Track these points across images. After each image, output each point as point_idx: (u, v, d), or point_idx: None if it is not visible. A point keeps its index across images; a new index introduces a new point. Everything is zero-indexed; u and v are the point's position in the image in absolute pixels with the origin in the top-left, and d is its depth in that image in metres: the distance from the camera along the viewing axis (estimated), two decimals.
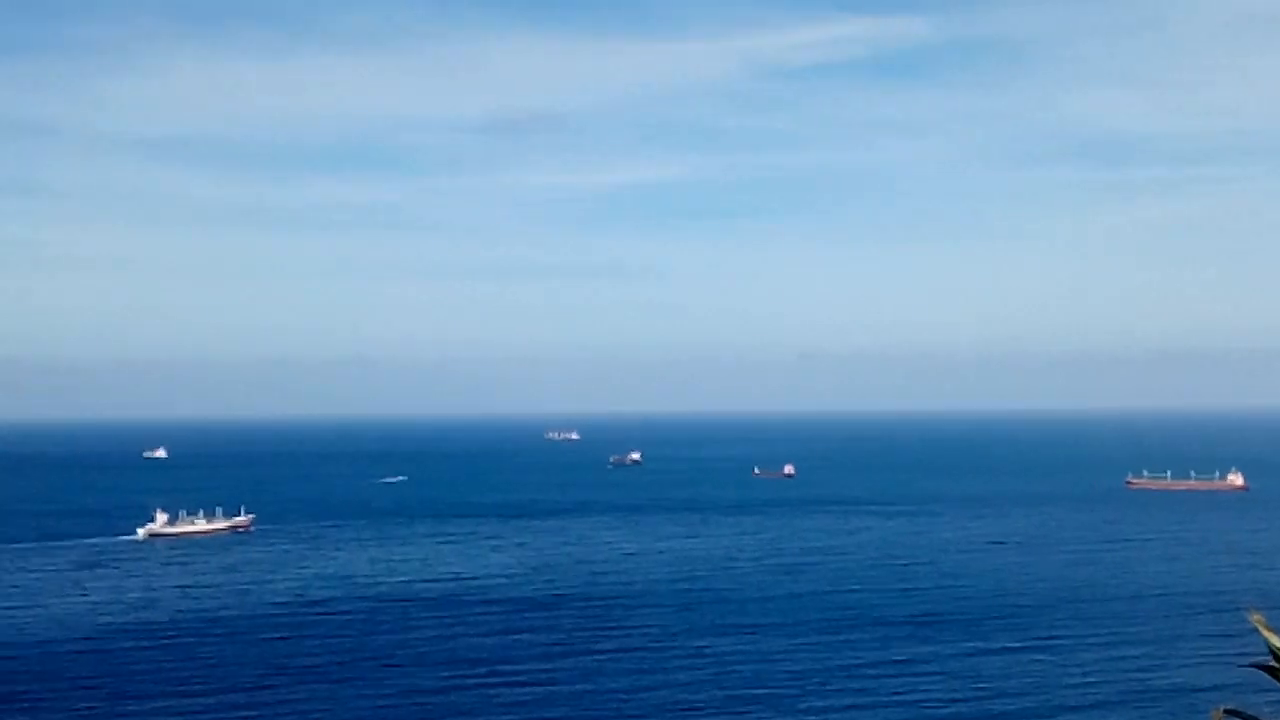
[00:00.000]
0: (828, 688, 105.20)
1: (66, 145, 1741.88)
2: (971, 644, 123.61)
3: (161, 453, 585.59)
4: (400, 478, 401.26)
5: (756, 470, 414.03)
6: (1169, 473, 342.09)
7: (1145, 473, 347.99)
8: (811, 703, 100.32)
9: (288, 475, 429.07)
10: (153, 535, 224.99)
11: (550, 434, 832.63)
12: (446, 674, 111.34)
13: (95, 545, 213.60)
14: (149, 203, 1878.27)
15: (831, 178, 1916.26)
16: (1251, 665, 11.36)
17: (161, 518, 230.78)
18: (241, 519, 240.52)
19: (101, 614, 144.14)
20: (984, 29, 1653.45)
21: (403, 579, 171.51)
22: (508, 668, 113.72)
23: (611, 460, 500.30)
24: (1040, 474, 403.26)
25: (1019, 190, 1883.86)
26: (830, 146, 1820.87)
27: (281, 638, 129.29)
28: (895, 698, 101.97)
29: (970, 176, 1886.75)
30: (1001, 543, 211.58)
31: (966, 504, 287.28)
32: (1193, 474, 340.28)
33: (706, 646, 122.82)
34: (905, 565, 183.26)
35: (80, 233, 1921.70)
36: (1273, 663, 10.80)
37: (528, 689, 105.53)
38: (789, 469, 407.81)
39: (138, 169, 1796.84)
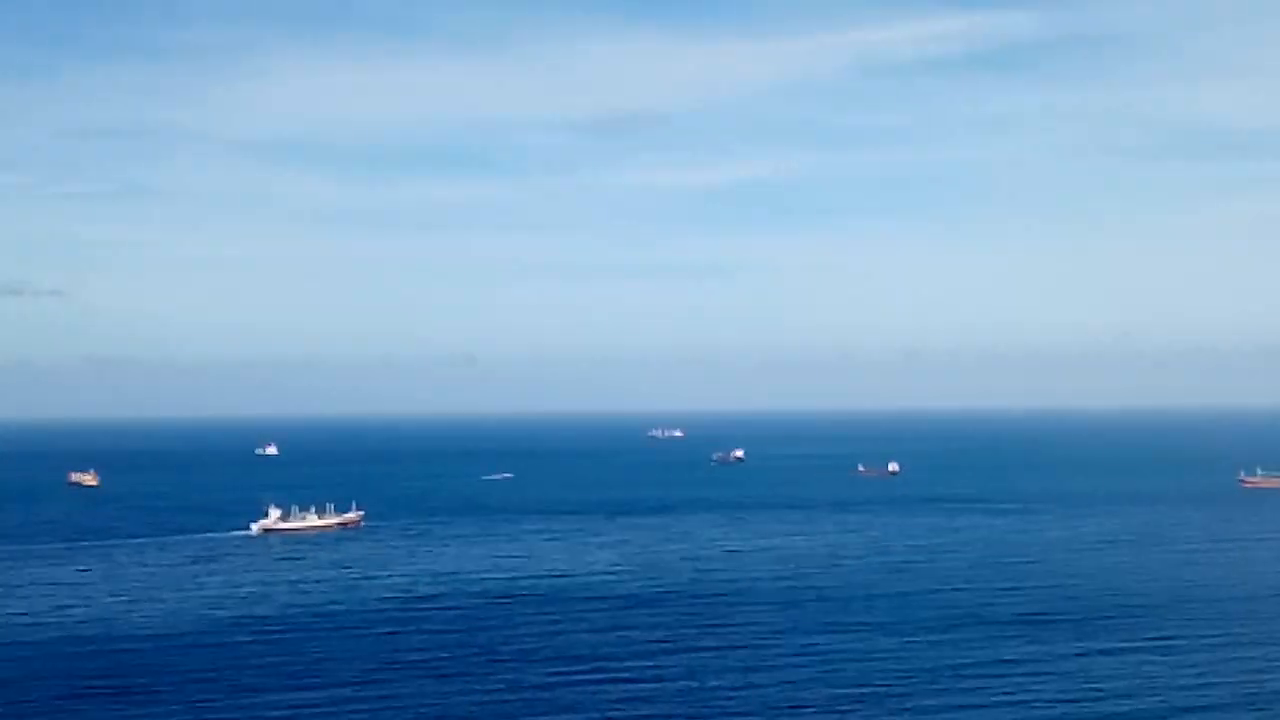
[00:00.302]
0: (935, 687, 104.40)
1: (179, 149, 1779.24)
2: (1081, 644, 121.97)
3: (273, 449, 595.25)
4: (506, 475, 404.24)
5: (860, 468, 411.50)
6: None
7: (1260, 470, 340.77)
8: (919, 702, 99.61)
9: (396, 472, 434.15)
10: (266, 530, 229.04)
11: (654, 432, 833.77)
12: (552, 670, 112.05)
13: (210, 540, 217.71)
14: (260, 205, 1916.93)
15: (937, 174, 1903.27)
16: None
17: (274, 513, 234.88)
18: (352, 515, 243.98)
19: (216, 608, 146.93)
20: (1089, 23, 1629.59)
21: (508, 575, 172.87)
22: (613, 664, 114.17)
23: (714, 458, 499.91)
24: (1150, 471, 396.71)
25: (1125, 185, 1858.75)
26: (935, 143, 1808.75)
27: (390, 633, 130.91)
28: (1004, 698, 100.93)
29: (1076, 171, 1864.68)
30: (1111, 541, 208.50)
31: (1075, 502, 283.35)
32: None
33: (812, 644, 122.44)
34: (1012, 564, 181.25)
35: (193, 235, 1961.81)
36: None
37: (633, 685, 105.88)
38: (893, 467, 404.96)
39: (248, 172, 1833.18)
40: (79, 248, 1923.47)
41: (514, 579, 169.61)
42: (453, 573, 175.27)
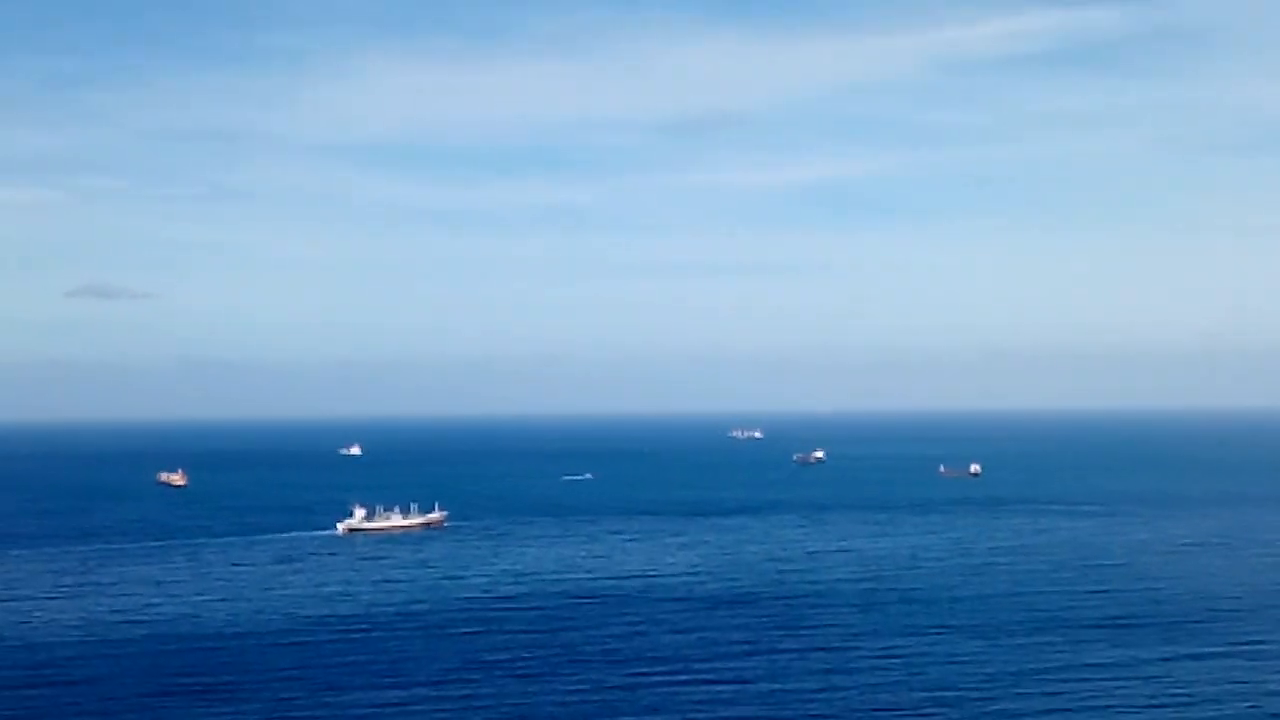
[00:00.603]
0: (1018, 691, 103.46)
1: (266, 152, 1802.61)
2: (1168, 648, 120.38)
3: (356, 450, 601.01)
4: (587, 475, 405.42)
5: (942, 469, 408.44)
6: None
7: None
8: (1002, 706, 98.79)
9: (477, 473, 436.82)
10: (351, 530, 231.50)
11: (734, 432, 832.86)
12: (633, 671, 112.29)
13: (295, 539, 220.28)
14: (345, 207, 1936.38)
15: (1020, 172, 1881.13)
16: None
17: (359, 513, 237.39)
18: (435, 515, 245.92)
19: (300, 607, 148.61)
20: (1174, 17, 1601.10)
21: (589, 575, 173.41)
22: (695, 665, 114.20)
23: (795, 458, 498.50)
24: (1241, 473, 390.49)
25: (1212, 181, 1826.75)
26: (1019, 140, 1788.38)
27: (472, 632, 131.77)
28: (1089, 703, 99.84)
29: (1163, 167, 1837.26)
30: (1199, 544, 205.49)
31: (1162, 503, 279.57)
32: None
33: (894, 647, 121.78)
34: (1097, 566, 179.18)
35: (280, 237, 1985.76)
36: None
37: (715, 687, 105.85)
38: (975, 468, 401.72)
39: (334, 174, 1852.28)
40: (171, 250, 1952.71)
41: (595, 579, 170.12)
42: (534, 573, 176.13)
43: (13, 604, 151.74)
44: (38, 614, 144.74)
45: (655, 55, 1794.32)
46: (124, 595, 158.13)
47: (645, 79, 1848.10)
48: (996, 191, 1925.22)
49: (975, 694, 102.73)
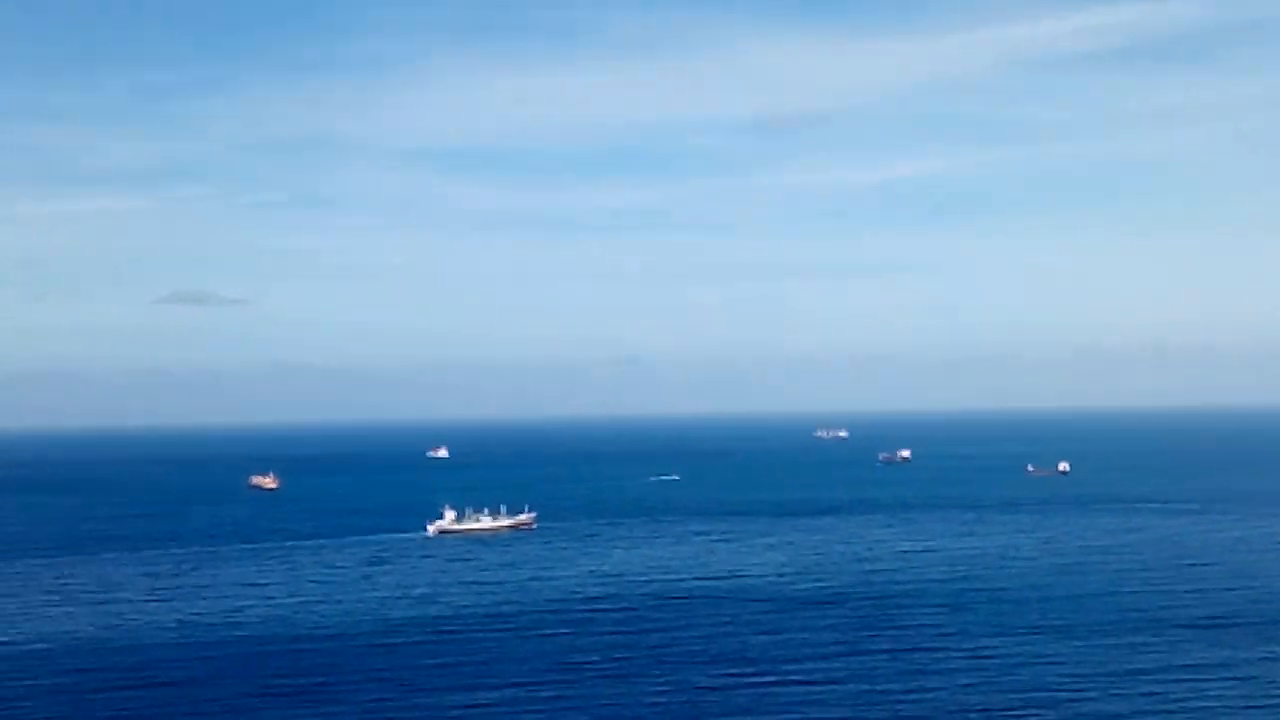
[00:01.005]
0: (1112, 692, 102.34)
1: (349, 158, 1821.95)
2: (1266, 648, 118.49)
3: (444, 452, 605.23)
4: (673, 476, 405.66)
5: (1030, 468, 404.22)
6: None
7: None
8: (1096, 707, 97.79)
9: (564, 474, 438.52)
10: (441, 532, 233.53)
11: (819, 432, 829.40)
12: (722, 671, 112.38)
13: (385, 541, 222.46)
14: (428, 212, 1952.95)
15: (1101, 168, 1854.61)
16: None
17: (449, 515, 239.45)
18: (524, 516, 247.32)
19: (391, 608, 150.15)
20: (1256, 10, 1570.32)
21: (677, 576, 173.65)
22: (783, 666, 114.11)
23: (881, 458, 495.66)
24: None
25: None
26: (1100, 137, 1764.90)
27: (561, 633, 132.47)
28: (1185, 704, 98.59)
29: (1247, 163, 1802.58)
30: None
31: (1256, 501, 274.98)
32: None
33: (984, 647, 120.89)
34: (1192, 565, 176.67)
35: (364, 242, 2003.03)
36: None
37: (804, 688, 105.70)
38: (1063, 466, 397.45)
39: (417, 180, 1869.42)
40: (260, 257, 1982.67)
41: (682, 580, 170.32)
42: (621, 574, 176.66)
43: (112, 606, 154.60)
44: (135, 616, 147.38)
45: (736, 56, 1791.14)
46: (219, 597, 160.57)
47: (726, 80, 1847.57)
48: (1077, 188, 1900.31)
49: (1068, 695, 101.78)
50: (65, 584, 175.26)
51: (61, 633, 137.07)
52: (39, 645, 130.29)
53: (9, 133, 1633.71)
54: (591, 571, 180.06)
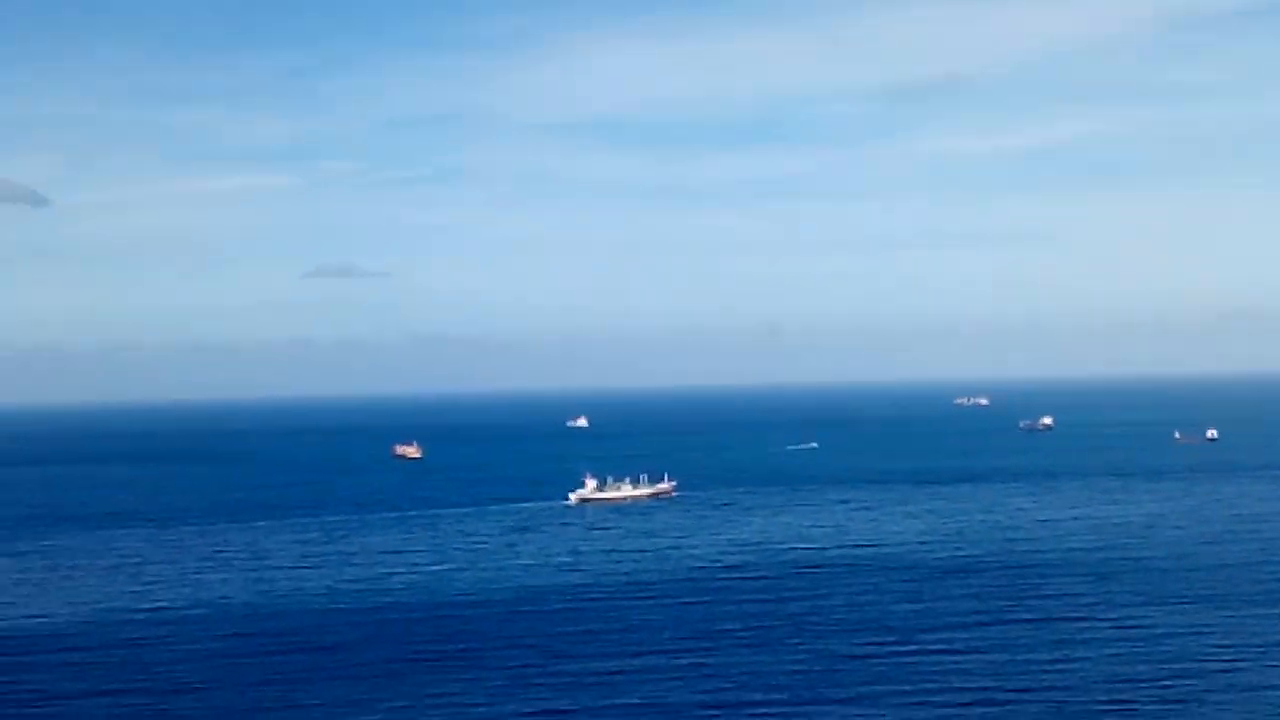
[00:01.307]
0: (1265, 664, 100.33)
1: (489, 133, 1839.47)
2: None
3: (583, 422, 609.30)
4: (812, 445, 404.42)
5: (1177, 435, 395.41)
6: None
7: None
8: (1248, 678, 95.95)
9: (703, 443, 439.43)
10: (583, 500, 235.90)
11: (959, 400, 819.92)
12: (862, 640, 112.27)
13: (527, 510, 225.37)
14: (565, 184, 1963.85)
15: (1261, 129, 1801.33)
16: None
17: (591, 483, 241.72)
18: (664, 485, 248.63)
19: (534, 576, 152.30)
20: None
21: (816, 545, 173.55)
22: (924, 635, 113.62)
23: (1022, 425, 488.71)
24: None
25: None
26: (1256, 97, 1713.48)
27: (701, 601, 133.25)
28: None
29: None
30: None
31: None
32: None
33: (1130, 617, 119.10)
34: None
35: (504, 215, 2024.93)
36: None
37: (945, 657, 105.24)
38: (1211, 433, 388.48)
39: (554, 152, 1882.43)
40: (402, 230, 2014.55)
41: (821, 548, 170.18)
42: (761, 542, 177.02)
43: (264, 572, 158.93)
44: (286, 582, 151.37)
45: (873, 21, 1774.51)
46: (366, 564, 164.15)
47: (863, 46, 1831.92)
48: (1223, 151, 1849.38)
49: (1218, 665, 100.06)
50: (220, 551, 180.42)
51: (217, 598, 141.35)
52: (197, 610, 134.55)
53: (159, 115, 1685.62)
54: (730, 540, 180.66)
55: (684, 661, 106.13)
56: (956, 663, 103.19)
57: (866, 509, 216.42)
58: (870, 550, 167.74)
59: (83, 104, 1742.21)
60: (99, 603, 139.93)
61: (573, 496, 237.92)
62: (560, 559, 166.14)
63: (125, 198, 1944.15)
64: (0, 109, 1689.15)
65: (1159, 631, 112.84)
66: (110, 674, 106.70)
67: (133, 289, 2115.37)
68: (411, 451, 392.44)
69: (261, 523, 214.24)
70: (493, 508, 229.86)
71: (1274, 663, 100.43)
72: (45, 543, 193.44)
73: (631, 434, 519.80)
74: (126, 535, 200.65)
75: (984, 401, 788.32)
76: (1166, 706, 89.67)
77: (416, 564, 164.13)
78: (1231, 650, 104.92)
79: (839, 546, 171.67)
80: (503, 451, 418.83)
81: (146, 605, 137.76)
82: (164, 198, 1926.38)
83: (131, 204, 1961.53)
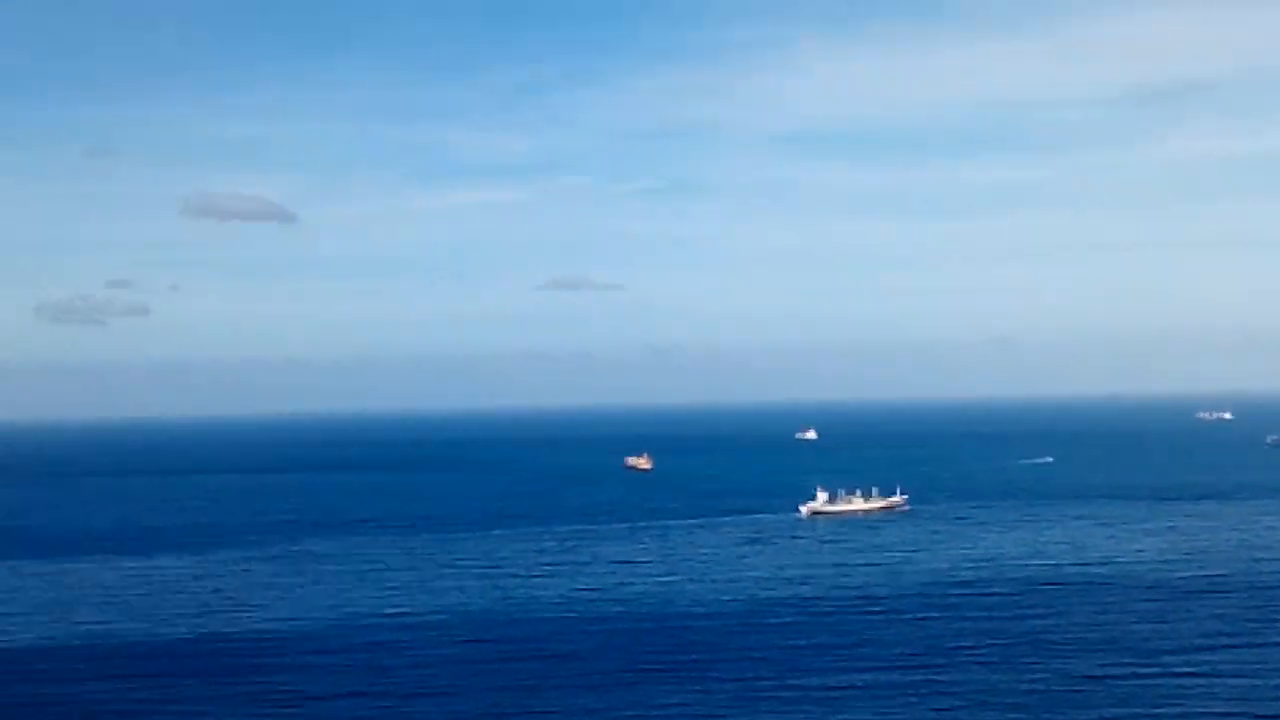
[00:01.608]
0: None
1: (718, 144, 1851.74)
2: None
3: (812, 434, 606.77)
4: (1046, 459, 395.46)
5: None
6: None
7: None
8: None
9: (934, 456, 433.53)
10: (814, 513, 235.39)
11: (1201, 414, 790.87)
12: (1101, 660, 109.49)
13: (757, 521, 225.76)
14: (794, 195, 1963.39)
15: None
16: None
17: (822, 496, 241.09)
18: (896, 498, 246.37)
19: (764, 588, 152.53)
20: None
21: (1051, 561, 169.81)
22: (1165, 657, 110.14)
23: (1270, 440, 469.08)
24: None
25: None
26: None
27: (932, 617, 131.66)
28: None
29: None
30: None
31: None
32: None
33: None
34: None
35: (736, 227, 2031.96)
36: None
37: (1187, 680, 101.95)
38: None
39: (783, 163, 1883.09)
40: (634, 243, 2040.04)
41: (1057, 565, 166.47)
42: (994, 558, 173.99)
43: (498, 580, 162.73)
44: (521, 590, 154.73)
45: (1105, 27, 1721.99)
46: (598, 574, 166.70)
47: (1093, 50, 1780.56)
48: None
49: None
50: (458, 558, 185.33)
51: (455, 605, 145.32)
52: (436, 615, 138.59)
53: (399, 131, 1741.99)
54: (964, 555, 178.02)
55: (916, 678, 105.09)
56: (1202, 686, 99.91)
57: (1105, 525, 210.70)
58: (1109, 568, 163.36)
59: (328, 123, 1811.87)
60: (344, 606, 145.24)
61: (803, 509, 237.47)
62: (791, 572, 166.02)
63: (367, 213, 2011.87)
64: (254, 130, 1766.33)
65: None
66: (354, 677, 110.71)
67: (374, 301, 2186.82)
68: (642, 463, 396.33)
69: (497, 531, 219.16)
70: (723, 519, 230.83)
71: None
72: (295, 548, 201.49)
73: (860, 446, 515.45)
74: (370, 542, 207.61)
75: (1227, 416, 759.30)
76: None
77: (647, 574, 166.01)
78: None
79: (1076, 564, 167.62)
80: (732, 463, 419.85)
81: (388, 610, 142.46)
82: (404, 213, 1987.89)
83: (373, 219, 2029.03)
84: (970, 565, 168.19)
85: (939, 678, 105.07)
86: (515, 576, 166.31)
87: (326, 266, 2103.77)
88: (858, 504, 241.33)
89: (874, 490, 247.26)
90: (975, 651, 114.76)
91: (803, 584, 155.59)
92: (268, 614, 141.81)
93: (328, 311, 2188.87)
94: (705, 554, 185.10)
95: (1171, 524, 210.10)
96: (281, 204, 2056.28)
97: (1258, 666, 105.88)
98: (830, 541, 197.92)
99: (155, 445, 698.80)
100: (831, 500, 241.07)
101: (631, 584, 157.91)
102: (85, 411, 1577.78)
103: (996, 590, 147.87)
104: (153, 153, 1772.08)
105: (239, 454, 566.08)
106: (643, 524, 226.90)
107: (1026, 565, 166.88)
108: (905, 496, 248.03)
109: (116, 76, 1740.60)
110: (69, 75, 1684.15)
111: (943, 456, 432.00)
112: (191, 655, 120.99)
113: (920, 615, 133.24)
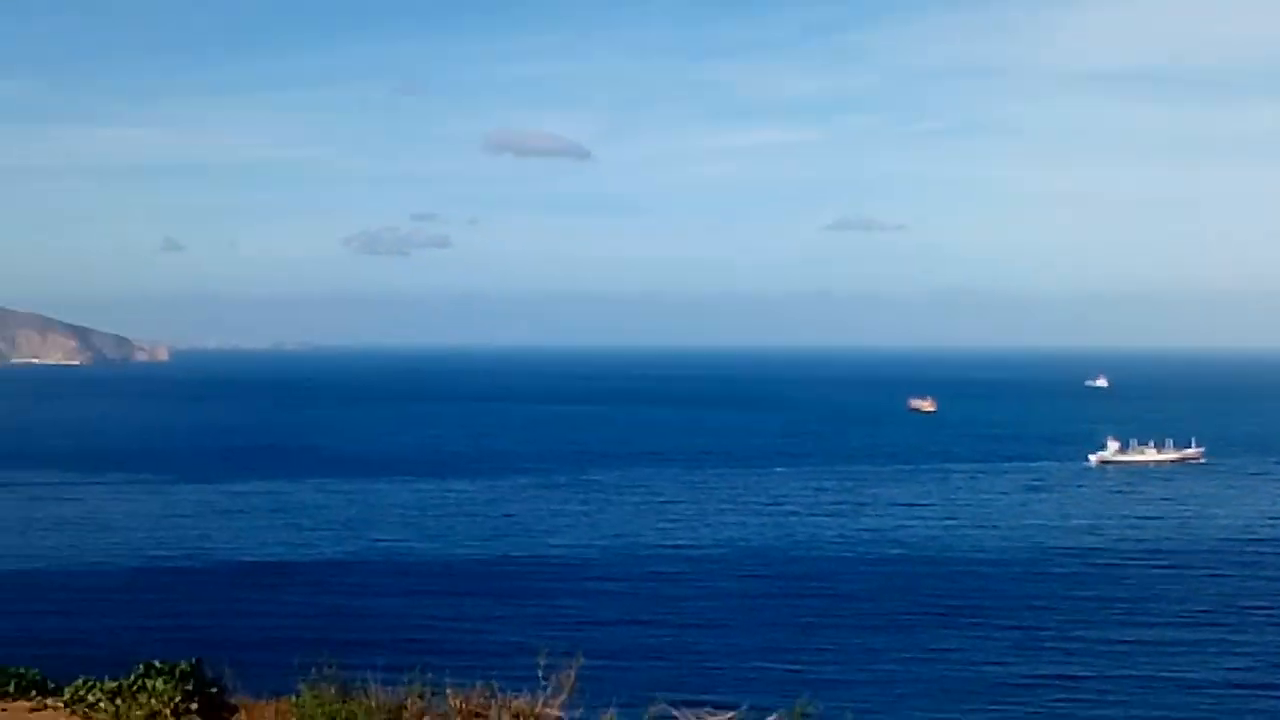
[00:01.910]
0: None
1: (1017, 84, 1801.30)
2: None
3: (1103, 381, 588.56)
4: None
5: None
6: None
7: None
8: None
9: (1234, 408, 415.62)
10: (1104, 462, 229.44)
11: None
12: None
13: (1042, 469, 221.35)
14: (1089, 136, 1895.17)
15: None
16: None
17: (1113, 445, 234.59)
18: (1191, 450, 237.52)
19: (1048, 537, 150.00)
20: None
21: None
22: None
23: None
24: None
25: None
26: None
27: (1224, 574, 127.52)
28: None
29: None
30: None
31: None
32: None
33: None
34: None
35: (1030, 170, 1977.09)
36: None
37: None
38: None
39: (1079, 104, 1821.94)
40: (922, 184, 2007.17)
41: None
42: None
43: (779, 518, 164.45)
44: (800, 528, 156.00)
45: None
46: (878, 515, 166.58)
47: None
48: None
49: None
50: (738, 494, 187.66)
51: (735, 539, 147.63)
52: (716, 549, 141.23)
53: (692, 71, 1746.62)
54: (1262, 511, 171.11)
55: (1205, 636, 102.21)
56: None
57: None
58: None
59: (624, 61, 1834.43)
60: (628, 536, 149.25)
61: (1093, 458, 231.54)
62: (1076, 521, 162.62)
63: (659, 151, 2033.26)
64: (552, 68, 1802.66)
65: None
66: (638, 605, 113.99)
67: (665, 239, 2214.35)
68: (926, 405, 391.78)
69: (779, 469, 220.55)
70: (1006, 465, 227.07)
71: None
72: (582, 477, 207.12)
73: (1156, 395, 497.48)
74: (654, 474, 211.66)
75: None
76: None
77: (927, 518, 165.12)
78: None
79: None
80: (1018, 409, 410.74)
81: (670, 542, 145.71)
82: (695, 152, 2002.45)
83: (665, 157, 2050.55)
84: (1269, 522, 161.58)
85: (1232, 637, 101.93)
86: (795, 514, 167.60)
87: (617, 203, 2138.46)
88: (1150, 454, 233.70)
89: (1168, 441, 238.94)
90: (1272, 612, 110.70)
91: (1089, 534, 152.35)
92: (555, 540, 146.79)
93: (618, 248, 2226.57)
94: (988, 500, 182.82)
95: None
96: (577, 141, 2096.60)
97: None
98: (1119, 492, 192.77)
99: (453, 372, 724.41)
100: (1123, 450, 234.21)
101: (912, 526, 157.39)
102: (389, 339, 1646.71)
103: None
104: (457, 90, 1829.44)
105: (531, 384, 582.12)
106: (925, 467, 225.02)
107: None
108: (1202, 449, 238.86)
109: (423, 15, 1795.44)
110: (380, 11, 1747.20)
111: (1245, 410, 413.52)
112: (482, 576, 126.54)
113: (1212, 571, 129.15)
